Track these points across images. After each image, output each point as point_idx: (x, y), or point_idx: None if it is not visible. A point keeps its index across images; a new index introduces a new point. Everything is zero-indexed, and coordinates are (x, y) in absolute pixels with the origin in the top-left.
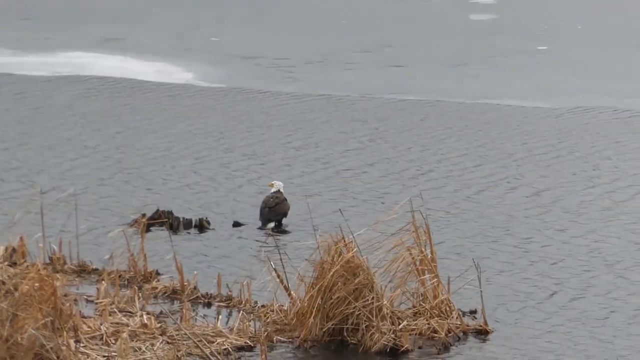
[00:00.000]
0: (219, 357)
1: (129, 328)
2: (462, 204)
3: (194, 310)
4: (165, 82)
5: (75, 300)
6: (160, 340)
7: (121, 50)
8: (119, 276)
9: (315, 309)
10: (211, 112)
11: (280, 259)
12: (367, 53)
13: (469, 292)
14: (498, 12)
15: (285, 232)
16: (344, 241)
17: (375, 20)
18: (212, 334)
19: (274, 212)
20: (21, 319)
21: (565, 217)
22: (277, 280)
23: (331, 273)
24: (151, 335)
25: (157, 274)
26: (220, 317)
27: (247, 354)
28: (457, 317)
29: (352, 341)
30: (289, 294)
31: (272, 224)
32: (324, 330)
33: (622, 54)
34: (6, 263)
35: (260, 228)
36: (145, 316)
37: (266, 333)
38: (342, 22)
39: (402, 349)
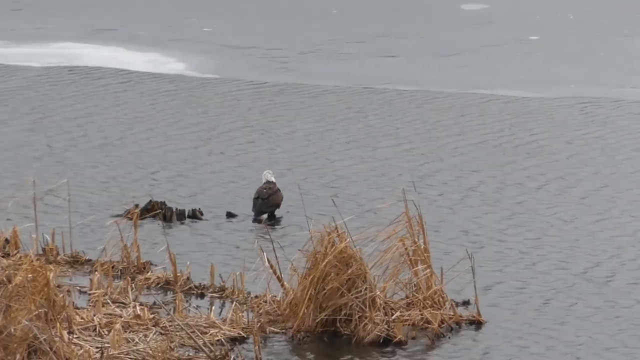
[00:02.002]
0: (212, 347)
1: (122, 319)
2: (455, 194)
3: (187, 301)
4: (157, 72)
5: (69, 291)
6: (154, 331)
7: (113, 41)
8: (112, 267)
9: (308, 299)
10: (204, 103)
11: (274, 250)
12: (359, 43)
13: (462, 282)
14: (489, 2)
15: (278, 222)
16: (337, 231)
17: (366, 10)
18: (205, 324)
19: (267, 204)
20: (14, 310)
21: (559, 207)
22: (270, 270)
23: (324, 263)
24: (144, 326)
25: (151, 264)
26: (213, 308)
27: (240, 344)
28: (450, 308)
29: (345, 332)
30: (282, 285)
31: (265, 215)
32: (317, 321)
33: (614, 43)
34: None
35: (253, 219)
36: (138, 307)
37: (259, 324)
38: (333, 12)
39: (395, 340)
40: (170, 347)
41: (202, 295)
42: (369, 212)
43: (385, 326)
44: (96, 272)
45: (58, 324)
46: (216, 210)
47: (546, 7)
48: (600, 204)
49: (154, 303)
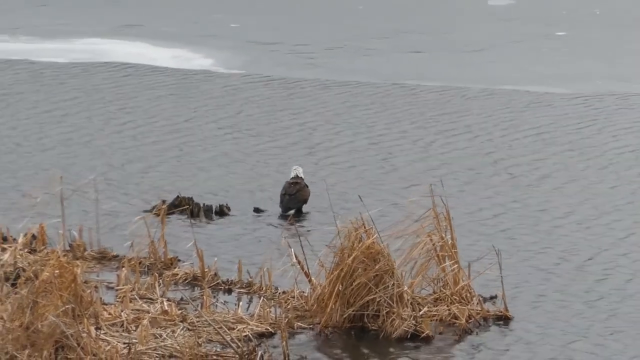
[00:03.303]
0: (239, 343)
1: (150, 315)
2: (483, 189)
3: (214, 296)
4: (184, 68)
5: (96, 287)
6: (181, 327)
7: (140, 37)
8: (140, 263)
9: (335, 295)
10: (231, 99)
11: (301, 245)
12: (385, 39)
13: (489, 278)
14: None
15: (305, 217)
16: (364, 227)
17: (392, 6)
18: (232, 320)
19: (294, 200)
20: (41, 306)
21: (585, 202)
22: (298, 266)
23: (351, 259)
24: (172, 322)
25: (178, 260)
26: (240, 303)
27: (268, 340)
28: (477, 303)
29: (373, 327)
30: (310, 280)
31: (292, 211)
32: (344, 316)
33: None
34: (26, 250)
35: (280, 214)
36: (165, 303)
37: (287, 319)
38: (359, 8)
39: (422, 335)
40: (197, 342)
41: (229, 291)
42: (396, 207)
43: (413, 322)
44: (123, 268)
45: (85, 319)
46: (243, 206)
47: (572, 2)
48: (634, 200)
49: (182, 299)
